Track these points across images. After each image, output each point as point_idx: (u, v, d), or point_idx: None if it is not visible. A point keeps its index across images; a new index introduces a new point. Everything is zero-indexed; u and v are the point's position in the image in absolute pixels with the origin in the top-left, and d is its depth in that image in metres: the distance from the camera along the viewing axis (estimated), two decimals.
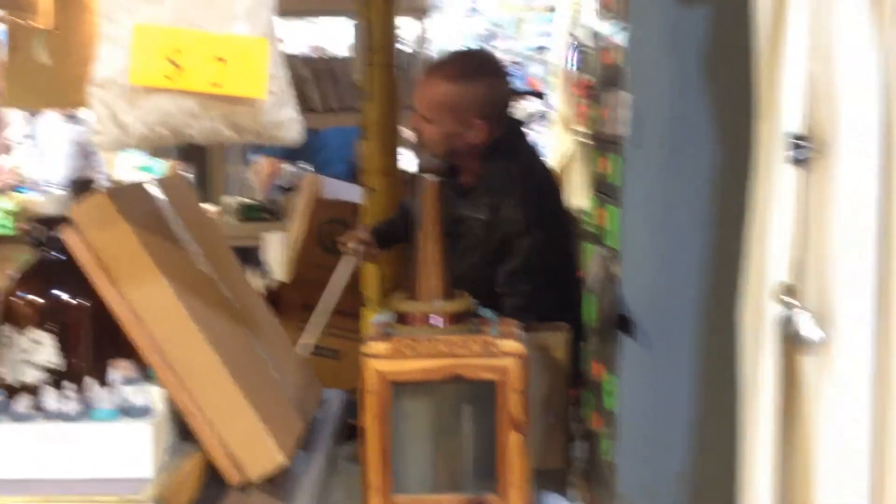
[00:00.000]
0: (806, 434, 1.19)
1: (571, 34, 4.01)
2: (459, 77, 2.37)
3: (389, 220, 2.99)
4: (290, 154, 5.14)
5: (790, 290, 1.16)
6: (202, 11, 1.30)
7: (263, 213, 4.67)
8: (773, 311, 1.17)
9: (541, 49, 8.05)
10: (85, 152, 6.43)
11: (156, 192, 1.69)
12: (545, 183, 2.52)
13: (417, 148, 2.50)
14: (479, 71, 2.43)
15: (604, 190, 1.51)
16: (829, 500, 1.17)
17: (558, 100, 4.26)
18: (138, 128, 1.34)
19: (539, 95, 3.14)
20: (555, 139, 4.42)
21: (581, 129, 3.86)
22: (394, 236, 2.88)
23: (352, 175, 4.94)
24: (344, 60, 4.31)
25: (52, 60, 3.52)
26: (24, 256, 1.56)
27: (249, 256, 4.64)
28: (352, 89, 4.02)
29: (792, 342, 1.16)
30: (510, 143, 2.43)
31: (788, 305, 1.15)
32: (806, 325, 1.13)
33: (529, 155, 2.56)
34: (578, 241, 2.39)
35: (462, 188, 2.42)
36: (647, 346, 1.37)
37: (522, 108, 7.50)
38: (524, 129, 2.64)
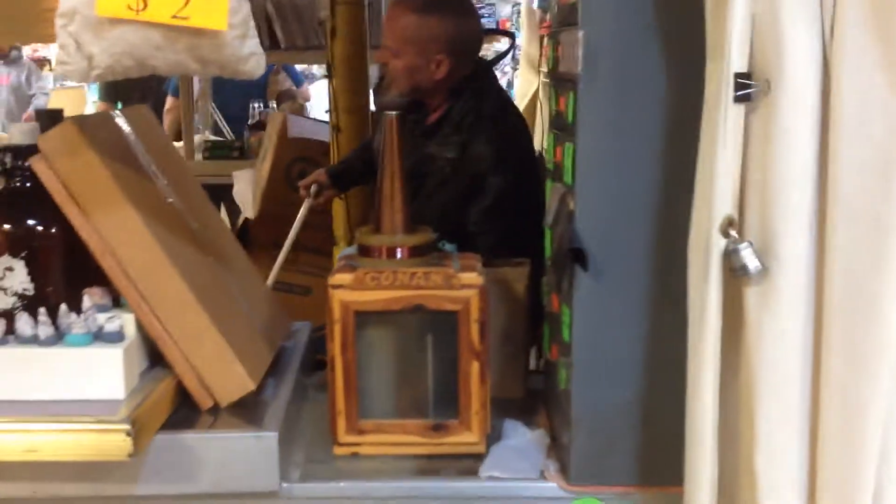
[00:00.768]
0: (749, 362, 1.25)
1: None
2: (425, 9, 2.36)
3: (345, 161, 3.00)
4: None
5: (735, 224, 1.22)
6: None
7: (232, 151, 4.67)
8: (719, 243, 1.23)
9: None
10: (23, 94, 6.31)
11: (122, 123, 1.70)
12: (514, 121, 2.52)
13: (382, 84, 2.48)
14: (448, 6, 2.41)
15: (561, 127, 1.55)
16: (768, 427, 1.24)
17: (524, 40, 4.26)
18: (104, 59, 1.36)
19: (510, 35, 3.11)
20: (522, 79, 4.43)
21: (545, 68, 3.87)
22: (350, 177, 2.89)
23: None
24: None
25: None
26: None
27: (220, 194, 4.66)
28: (317, 27, 4.00)
29: (736, 274, 1.22)
30: (478, 83, 2.43)
31: (733, 238, 1.21)
32: (748, 257, 1.19)
33: (497, 95, 2.57)
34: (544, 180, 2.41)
35: (428, 127, 2.44)
36: (600, 278, 1.43)
37: (493, 49, 7.48)
38: (493, 71, 2.64)
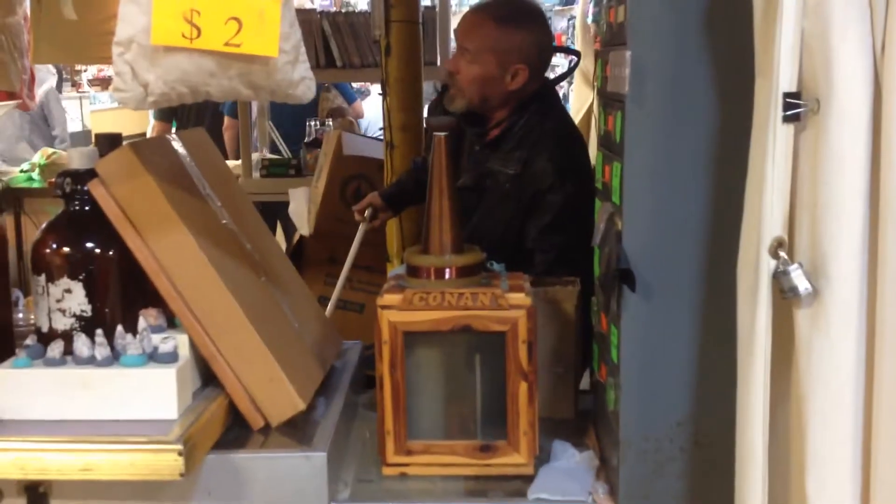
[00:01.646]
0: (799, 384, 1.23)
1: None
2: (507, 19, 2.36)
3: (398, 182, 3.00)
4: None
5: (785, 245, 1.19)
6: None
7: (288, 169, 4.73)
8: (768, 264, 1.21)
9: (567, 2, 8.01)
10: (44, 114, 6.25)
11: (178, 146, 1.74)
12: (575, 139, 2.51)
13: (446, 96, 2.45)
14: (527, 17, 2.41)
15: (609, 146, 1.54)
16: (820, 450, 1.21)
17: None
18: (159, 86, 1.40)
19: (576, 54, 3.10)
20: (576, 93, 4.42)
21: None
22: (404, 198, 2.90)
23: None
24: (365, 15, 4.33)
25: (77, 15, 3.57)
26: (52, 208, 1.63)
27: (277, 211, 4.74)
28: (372, 45, 4.05)
29: (785, 296, 1.20)
30: (542, 98, 2.42)
31: (783, 260, 1.19)
32: (798, 279, 1.17)
33: (560, 112, 2.56)
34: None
35: (490, 141, 2.42)
36: (648, 299, 1.41)
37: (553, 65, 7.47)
38: (555, 89, 2.63)
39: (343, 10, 5.21)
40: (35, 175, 5.12)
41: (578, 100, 4.31)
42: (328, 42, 4.29)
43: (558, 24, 7.88)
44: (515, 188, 2.32)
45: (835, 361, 1.20)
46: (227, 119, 5.37)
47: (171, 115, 5.43)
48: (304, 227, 3.74)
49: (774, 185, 1.18)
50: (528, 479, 1.57)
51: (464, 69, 2.37)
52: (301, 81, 1.44)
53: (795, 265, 1.18)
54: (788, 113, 1.16)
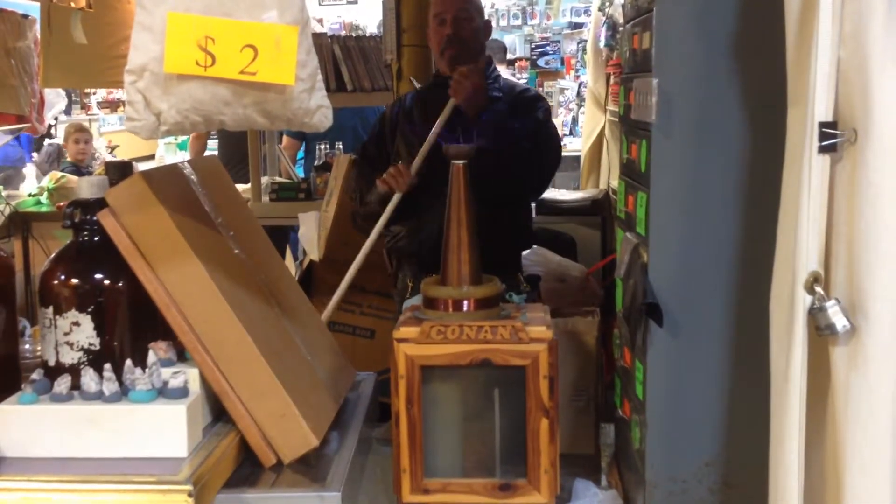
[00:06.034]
0: (836, 424, 1.18)
1: (603, 11, 3.97)
2: None
3: None
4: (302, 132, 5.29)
5: (821, 280, 1.15)
6: (233, 1, 1.31)
7: (298, 193, 4.69)
8: (804, 300, 1.16)
9: (575, 26, 8.01)
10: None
11: (190, 174, 1.70)
12: None
13: (452, 56, 2.64)
14: None
15: (633, 175, 1.50)
16: (857, 494, 1.16)
17: (590, 77, 4.23)
18: (172, 115, 1.36)
19: None
20: (587, 116, 4.39)
21: (613, 107, 3.85)
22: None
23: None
24: (376, 39, 4.31)
25: (87, 39, 3.56)
26: (60, 233, 1.58)
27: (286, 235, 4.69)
28: (383, 69, 4.03)
29: (821, 333, 1.15)
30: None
31: (819, 296, 1.14)
32: (835, 316, 1.13)
33: None
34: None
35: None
36: (676, 334, 1.37)
37: (558, 85, 7.44)
38: None
39: (353, 34, 5.17)
40: (43, 199, 5.10)
41: (590, 123, 4.28)
42: (339, 66, 4.27)
43: (567, 48, 7.86)
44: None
45: (873, 402, 1.15)
46: (286, 139, 5.38)
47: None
48: (313, 252, 3.70)
49: (810, 217, 1.14)
50: None
51: (466, 26, 2.66)
52: (318, 110, 1.40)
53: (832, 301, 1.14)
54: (825, 143, 1.12)
